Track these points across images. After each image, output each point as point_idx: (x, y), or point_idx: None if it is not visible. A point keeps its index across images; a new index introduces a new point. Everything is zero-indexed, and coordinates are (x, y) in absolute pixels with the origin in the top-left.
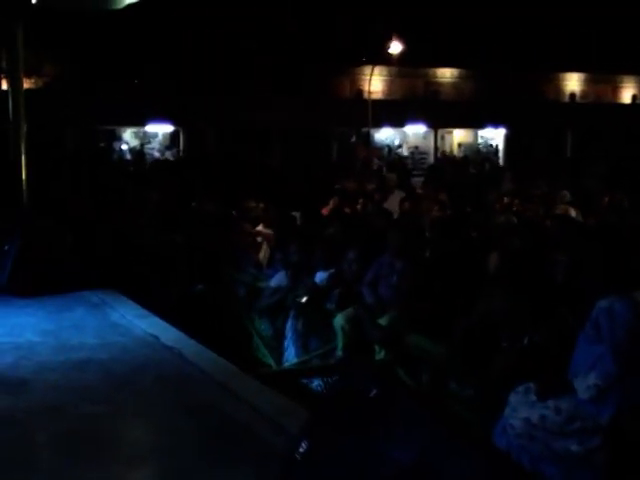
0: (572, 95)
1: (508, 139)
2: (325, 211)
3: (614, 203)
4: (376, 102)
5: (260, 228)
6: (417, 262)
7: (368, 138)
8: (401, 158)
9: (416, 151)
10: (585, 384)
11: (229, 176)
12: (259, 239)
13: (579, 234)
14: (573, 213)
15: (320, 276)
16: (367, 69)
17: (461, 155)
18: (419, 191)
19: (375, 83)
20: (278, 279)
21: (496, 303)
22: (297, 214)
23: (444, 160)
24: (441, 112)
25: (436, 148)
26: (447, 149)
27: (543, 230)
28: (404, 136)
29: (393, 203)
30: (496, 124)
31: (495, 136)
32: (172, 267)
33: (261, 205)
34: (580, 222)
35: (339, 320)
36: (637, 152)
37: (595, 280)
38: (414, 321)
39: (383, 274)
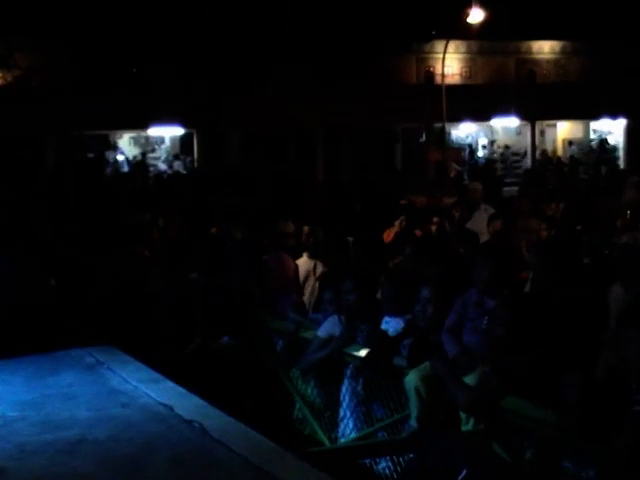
0: None
1: (631, 133)
2: (388, 235)
3: None
4: (452, 88)
5: (304, 259)
6: (514, 300)
7: (443, 136)
8: (488, 162)
9: (507, 152)
10: None
11: (260, 192)
12: (302, 274)
13: None
14: None
15: (392, 324)
16: (439, 45)
17: (567, 155)
18: (515, 204)
19: (450, 63)
20: (329, 327)
21: (631, 354)
22: (351, 240)
23: (545, 162)
24: (539, 99)
25: (534, 147)
26: (548, 148)
27: None
28: (491, 132)
29: (479, 222)
30: (614, 114)
31: (613, 129)
32: (188, 314)
33: (305, 229)
34: None
35: (412, 379)
36: None
37: None
38: (512, 378)
39: (469, 317)
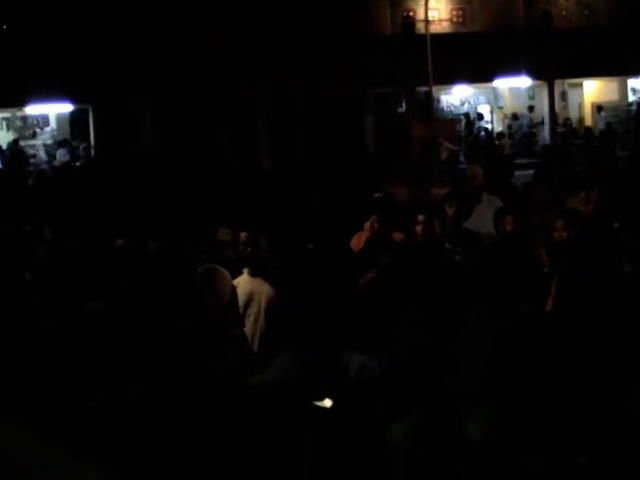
0: None
1: None
2: (359, 242)
3: None
4: (440, 40)
5: (245, 278)
6: (530, 321)
7: (430, 105)
8: (491, 137)
9: (518, 122)
10: None
11: (182, 188)
12: (243, 297)
13: None
14: None
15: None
16: None
17: (599, 125)
18: (530, 193)
19: (436, 5)
20: (281, 368)
21: None
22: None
23: (569, 135)
24: (558, 51)
25: (553, 115)
26: (572, 116)
27: None
28: (494, 97)
29: (481, 219)
30: None
31: None
32: (87, 357)
33: (242, 236)
34: None
35: (398, 435)
36: None
37: None
38: (531, 425)
39: (469, 344)
